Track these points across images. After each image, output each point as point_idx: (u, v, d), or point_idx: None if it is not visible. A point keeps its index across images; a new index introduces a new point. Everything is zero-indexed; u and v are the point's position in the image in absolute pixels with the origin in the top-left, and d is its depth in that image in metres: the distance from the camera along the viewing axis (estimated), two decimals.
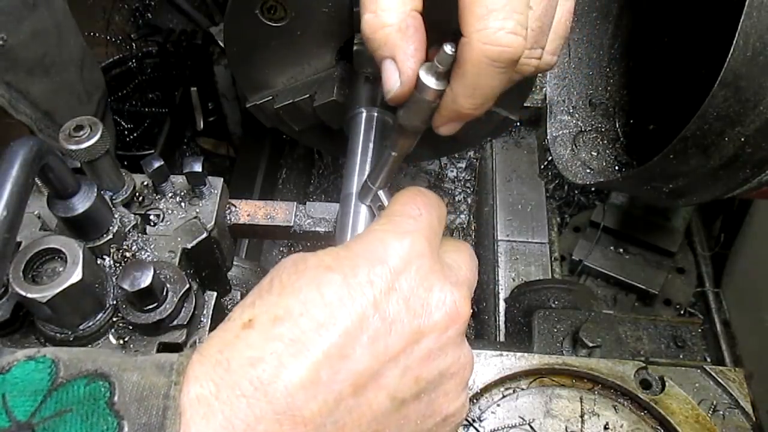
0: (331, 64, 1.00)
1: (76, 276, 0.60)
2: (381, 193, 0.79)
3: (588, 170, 1.13)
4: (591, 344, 1.08)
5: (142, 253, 0.74)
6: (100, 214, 0.69)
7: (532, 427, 0.97)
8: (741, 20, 0.74)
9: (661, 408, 0.97)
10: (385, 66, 0.65)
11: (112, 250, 0.72)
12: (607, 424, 0.97)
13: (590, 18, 1.17)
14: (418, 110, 0.68)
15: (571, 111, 1.19)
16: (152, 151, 1.81)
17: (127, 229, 0.74)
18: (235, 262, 1.00)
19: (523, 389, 1.01)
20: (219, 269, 0.85)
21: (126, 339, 0.68)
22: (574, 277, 1.72)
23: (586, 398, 0.99)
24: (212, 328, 0.72)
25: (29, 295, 0.59)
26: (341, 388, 0.54)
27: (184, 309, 0.70)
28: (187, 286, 0.70)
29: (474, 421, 0.97)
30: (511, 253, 1.54)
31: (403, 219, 0.65)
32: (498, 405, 0.99)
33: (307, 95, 0.99)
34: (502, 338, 1.39)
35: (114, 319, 0.68)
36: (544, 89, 1.21)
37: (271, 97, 1.03)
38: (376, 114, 0.93)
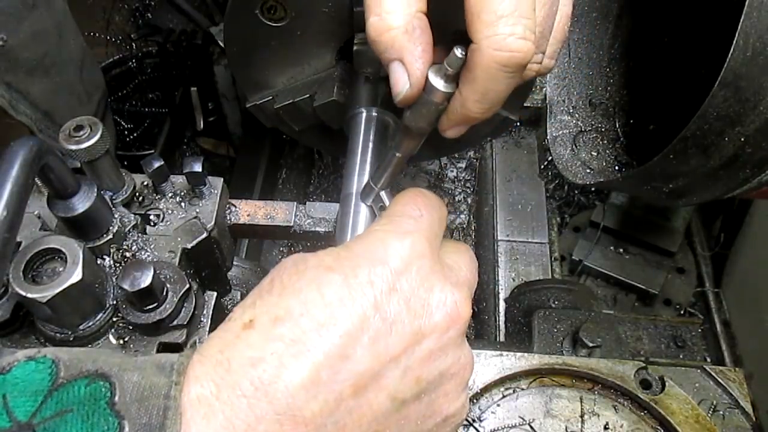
0: (331, 64, 1.00)
1: (76, 276, 0.60)
2: (383, 193, 0.79)
3: (588, 170, 1.13)
4: (591, 344, 1.08)
5: (142, 253, 0.74)
6: (100, 214, 0.69)
7: (532, 427, 0.97)
8: (741, 20, 0.74)
9: (661, 408, 0.97)
10: (393, 68, 0.65)
11: (112, 250, 0.72)
12: (607, 424, 0.97)
13: (590, 18, 1.17)
14: (425, 112, 0.68)
15: (571, 111, 1.18)
16: (152, 151, 1.81)
17: (127, 229, 0.74)
18: (235, 262, 1.00)
19: (523, 389, 1.01)
20: (219, 269, 0.85)
21: (126, 339, 0.68)
22: (574, 277, 1.72)
23: (586, 398, 0.99)
24: (212, 328, 0.72)
25: (29, 295, 0.59)
26: (342, 388, 0.54)
27: (184, 309, 0.70)
28: (187, 286, 0.70)
29: (474, 421, 0.97)
30: (511, 253, 1.54)
31: (403, 219, 0.65)
32: (498, 405, 0.99)
33: (307, 95, 0.99)
34: (502, 338, 1.39)
35: (114, 319, 0.68)
36: (544, 89, 1.21)
37: (271, 97, 1.03)
38: (376, 114, 0.93)
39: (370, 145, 0.90)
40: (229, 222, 0.87)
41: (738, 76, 0.76)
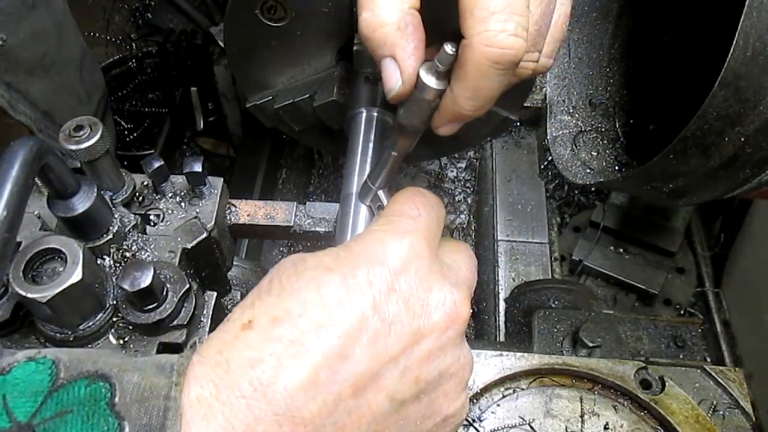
0: (331, 64, 1.00)
1: (76, 276, 0.60)
2: (381, 193, 0.79)
3: (588, 170, 1.13)
4: (591, 344, 1.08)
5: (142, 253, 0.74)
6: (100, 214, 0.69)
7: (532, 427, 0.97)
8: (741, 20, 0.74)
9: (661, 408, 0.97)
10: (385, 65, 0.65)
11: (112, 250, 0.72)
12: (607, 424, 0.97)
13: (590, 18, 1.17)
14: (418, 110, 0.68)
15: (571, 111, 1.19)
16: (152, 151, 1.81)
17: (127, 229, 0.74)
18: (235, 262, 1.00)
19: (523, 389, 1.01)
20: (219, 269, 0.85)
21: (126, 339, 0.68)
22: (574, 277, 1.72)
23: (586, 398, 0.99)
24: (212, 328, 0.72)
25: (29, 295, 0.59)
26: (341, 389, 0.54)
27: (184, 309, 0.70)
28: (187, 286, 0.70)
29: (474, 421, 0.97)
30: (511, 253, 1.54)
31: (402, 219, 0.65)
32: (498, 405, 0.99)
33: (307, 95, 0.99)
34: (502, 338, 1.39)
35: (114, 319, 0.68)
36: (544, 89, 1.21)
37: (271, 97, 1.03)
38: (376, 114, 0.93)
39: (370, 145, 0.90)
40: (229, 222, 0.87)
41: (738, 76, 0.76)
